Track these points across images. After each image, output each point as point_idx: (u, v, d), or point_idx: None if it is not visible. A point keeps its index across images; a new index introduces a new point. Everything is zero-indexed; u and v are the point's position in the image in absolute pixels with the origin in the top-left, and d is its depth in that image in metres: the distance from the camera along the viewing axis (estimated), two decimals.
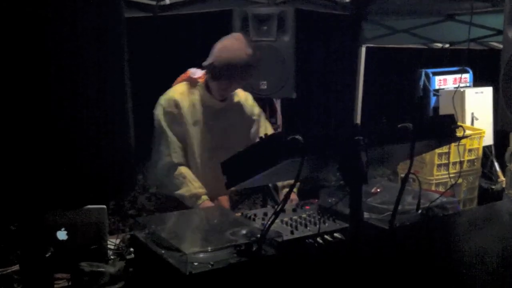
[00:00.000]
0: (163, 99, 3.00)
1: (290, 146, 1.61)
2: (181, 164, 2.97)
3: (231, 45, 2.90)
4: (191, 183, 2.94)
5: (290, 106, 4.87)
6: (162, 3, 4.83)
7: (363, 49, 5.70)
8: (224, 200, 3.20)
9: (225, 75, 2.91)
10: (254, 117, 3.22)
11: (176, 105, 2.95)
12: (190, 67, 3.10)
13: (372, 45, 5.75)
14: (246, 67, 2.91)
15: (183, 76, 3.07)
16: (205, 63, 2.94)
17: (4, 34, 0.87)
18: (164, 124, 2.94)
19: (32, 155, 0.99)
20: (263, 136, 1.71)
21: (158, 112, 2.97)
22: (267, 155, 1.70)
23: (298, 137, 1.61)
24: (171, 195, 2.98)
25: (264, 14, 4.52)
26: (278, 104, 4.89)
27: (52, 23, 0.90)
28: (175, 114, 2.95)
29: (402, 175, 2.29)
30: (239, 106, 3.15)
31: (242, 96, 3.19)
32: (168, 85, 3.11)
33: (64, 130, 1.03)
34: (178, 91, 2.99)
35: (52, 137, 1.02)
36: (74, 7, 0.94)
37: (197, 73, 3.02)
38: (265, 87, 4.49)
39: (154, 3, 4.80)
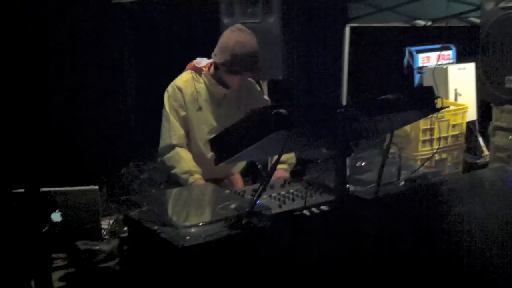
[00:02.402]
0: (169, 86, 3.17)
1: (275, 120, 1.67)
2: (179, 146, 3.10)
3: (244, 39, 3.03)
4: (185, 162, 3.07)
5: (277, 87, 4.91)
6: None
7: (348, 29, 5.74)
8: (238, 179, 3.30)
9: (245, 69, 3.04)
10: (266, 99, 3.32)
11: (180, 92, 3.12)
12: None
13: (356, 24, 5.79)
14: (259, 57, 3.06)
15: (190, 64, 3.22)
16: (219, 60, 3.05)
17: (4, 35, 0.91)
18: (168, 109, 3.13)
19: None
20: (248, 112, 1.77)
21: (165, 98, 3.16)
22: (253, 130, 1.76)
23: (283, 110, 1.67)
24: (166, 179, 3.10)
25: None
26: (265, 85, 4.93)
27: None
28: (178, 101, 3.12)
29: (392, 150, 2.36)
30: (245, 90, 3.23)
31: (247, 81, 3.26)
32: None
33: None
34: (183, 79, 3.16)
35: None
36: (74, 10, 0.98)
37: (202, 62, 3.18)
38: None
39: None
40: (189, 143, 3.18)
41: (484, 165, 4.92)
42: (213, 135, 3.06)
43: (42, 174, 1.53)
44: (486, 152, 5.12)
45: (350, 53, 5.74)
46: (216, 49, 3.08)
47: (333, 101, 2.78)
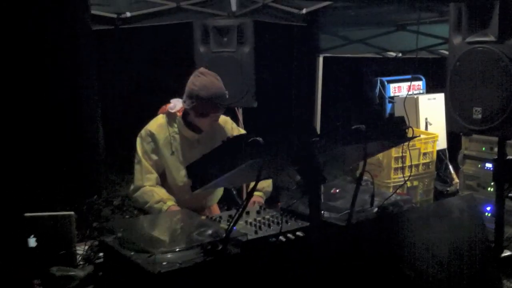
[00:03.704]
0: (143, 130, 3.24)
1: (251, 148, 1.72)
2: (151, 187, 3.17)
3: (210, 83, 3.11)
4: (157, 193, 3.09)
5: (252, 115, 4.98)
6: (123, 16, 4.88)
7: (320, 59, 5.86)
8: (215, 209, 3.35)
9: (212, 111, 3.12)
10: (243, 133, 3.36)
11: (153, 137, 3.19)
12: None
13: (328, 54, 5.92)
14: (225, 98, 3.15)
15: (164, 107, 3.29)
16: (187, 105, 3.13)
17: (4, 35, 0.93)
18: (140, 153, 3.20)
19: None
20: (225, 140, 1.81)
21: (137, 141, 3.22)
22: (229, 157, 1.80)
23: (259, 138, 1.72)
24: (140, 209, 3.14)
25: (224, 26, 4.64)
26: (240, 114, 4.99)
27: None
28: (151, 146, 3.19)
29: (365, 178, 2.42)
30: (218, 132, 3.29)
31: (220, 121, 3.31)
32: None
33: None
34: (156, 124, 3.24)
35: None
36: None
37: (176, 106, 3.22)
38: (226, 96, 4.60)
39: (115, 16, 4.85)
40: (164, 184, 3.23)
41: (454, 193, 5.03)
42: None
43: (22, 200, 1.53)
44: (456, 180, 5.24)
45: (323, 82, 5.85)
46: (184, 96, 3.16)
47: (307, 129, 2.84)
